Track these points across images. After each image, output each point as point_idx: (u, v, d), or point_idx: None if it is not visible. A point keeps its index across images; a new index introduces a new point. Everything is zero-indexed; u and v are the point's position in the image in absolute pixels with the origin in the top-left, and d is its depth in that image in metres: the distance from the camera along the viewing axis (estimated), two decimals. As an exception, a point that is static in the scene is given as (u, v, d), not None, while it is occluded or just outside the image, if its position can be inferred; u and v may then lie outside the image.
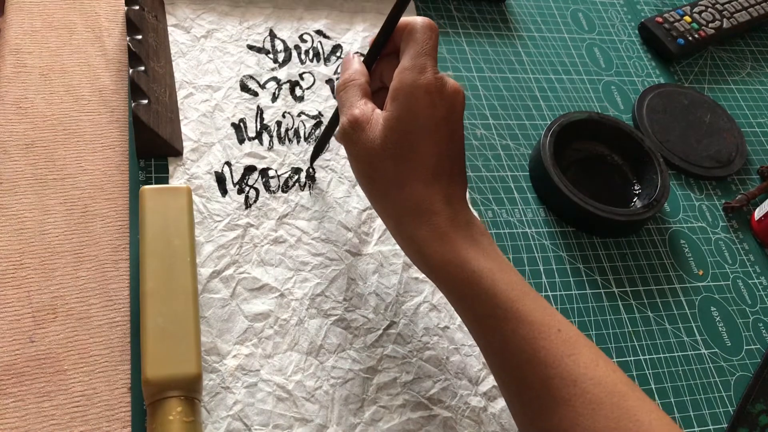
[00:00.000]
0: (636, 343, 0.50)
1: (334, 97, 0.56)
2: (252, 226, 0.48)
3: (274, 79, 0.56)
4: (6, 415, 0.38)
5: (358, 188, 0.51)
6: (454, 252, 0.36)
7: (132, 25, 0.51)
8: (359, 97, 0.39)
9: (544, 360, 0.34)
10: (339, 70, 0.58)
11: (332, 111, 0.55)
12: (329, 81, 0.57)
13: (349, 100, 0.39)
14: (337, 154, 0.53)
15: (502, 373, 0.36)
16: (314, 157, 0.51)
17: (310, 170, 0.51)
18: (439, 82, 0.37)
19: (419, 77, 0.36)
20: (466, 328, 0.47)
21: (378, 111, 0.38)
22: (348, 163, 0.52)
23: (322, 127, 0.54)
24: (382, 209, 0.39)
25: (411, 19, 0.39)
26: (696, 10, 0.73)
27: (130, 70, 0.48)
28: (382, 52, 0.41)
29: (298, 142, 0.53)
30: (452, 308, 0.47)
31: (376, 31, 0.61)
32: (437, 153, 0.37)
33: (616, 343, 0.50)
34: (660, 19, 0.71)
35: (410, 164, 0.37)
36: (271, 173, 0.51)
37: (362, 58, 0.41)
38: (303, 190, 0.50)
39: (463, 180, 0.38)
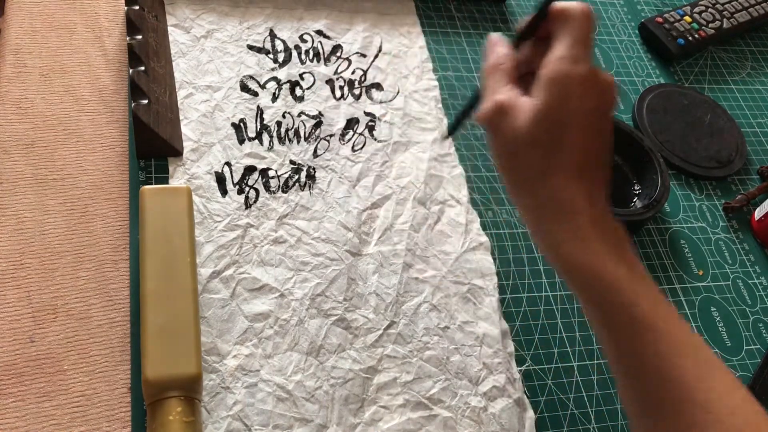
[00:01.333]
0: (636, 343, 0.50)
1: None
2: (252, 226, 0.48)
3: (274, 79, 0.56)
4: (6, 415, 0.38)
5: (359, 188, 0.51)
6: (593, 256, 0.34)
7: (132, 25, 0.51)
8: (505, 83, 0.37)
9: (678, 380, 0.32)
10: (339, 69, 0.58)
11: (332, 111, 0.55)
12: (329, 81, 0.57)
13: (495, 84, 0.37)
14: (337, 154, 0.53)
15: (629, 390, 0.34)
16: (453, 130, 0.46)
17: (311, 170, 0.51)
18: (593, 73, 0.35)
19: (574, 67, 0.34)
20: (466, 329, 0.47)
21: (524, 98, 0.36)
22: (348, 163, 0.52)
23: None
24: (521, 200, 0.37)
25: (568, 4, 0.36)
26: (696, 10, 0.73)
27: (130, 70, 0.48)
28: (532, 36, 0.38)
29: (298, 142, 0.53)
30: (452, 308, 0.47)
31: (376, 31, 0.61)
32: (585, 147, 0.35)
33: (616, 343, 0.50)
34: (660, 19, 0.71)
35: (557, 156, 0.35)
36: (271, 173, 0.51)
37: (508, 41, 0.39)
38: (303, 190, 0.50)
39: (606, 179, 0.36)
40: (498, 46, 0.38)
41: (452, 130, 0.46)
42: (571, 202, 0.35)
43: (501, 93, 0.36)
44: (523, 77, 0.38)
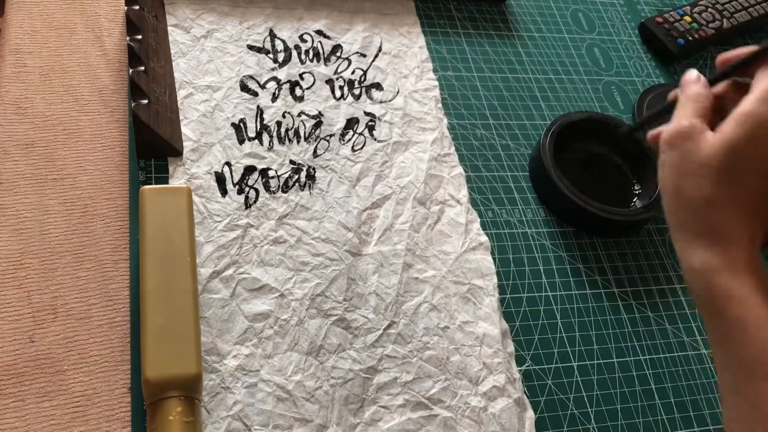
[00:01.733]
0: (636, 343, 0.50)
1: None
2: (252, 226, 0.48)
3: (274, 79, 0.56)
4: (6, 415, 0.38)
5: (359, 188, 0.51)
6: (743, 290, 0.35)
7: (132, 25, 0.51)
8: (697, 115, 0.39)
9: None
10: (339, 69, 0.58)
11: (332, 110, 0.55)
12: (329, 81, 0.57)
13: (687, 113, 0.39)
14: (337, 154, 0.53)
15: (746, 421, 0.35)
16: (644, 126, 0.49)
17: (311, 170, 0.51)
18: None
19: None
20: (466, 329, 0.47)
21: (710, 132, 0.37)
22: (348, 162, 0.52)
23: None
24: (679, 220, 0.38)
25: None
26: (696, 10, 0.73)
27: (130, 70, 0.48)
28: (730, 79, 0.41)
29: (298, 142, 0.53)
30: (452, 308, 0.47)
31: (376, 31, 0.61)
32: (760, 190, 0.36)
33: (616, 343, 0.50)
34: (660, 19, 0.71)
35: (731, 191, 0.36)
36: (271, 173, 0.51)
37: (705, 78, 0.41)
38: (303, 190, 0.50)
39: (763, 230, 0.38)
40: (697, 85, 0.41)
41: (644, 126, 0.48)
42: (731, 235, 0.36)
43: (692, 119, 0.38)
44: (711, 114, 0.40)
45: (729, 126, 0.36)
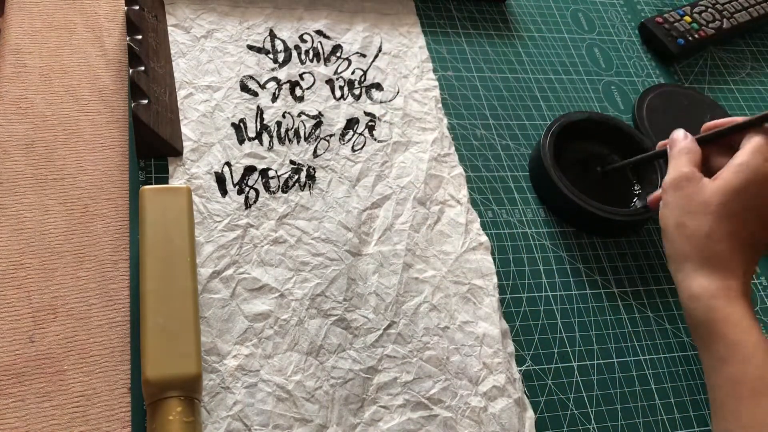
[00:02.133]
0: (636, 343, 0.50)
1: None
2: (252, 226, 0.48)
3: (274, 79, 0.56)
4: (6, 415, 0.38)
5: (359, 188, 0.51)
6: (738, 315, 0.39)
7: (132, 25, 0.51)
8: (692, 165, 0.45)
9: None
10: (339, 69, 0.58)
11: (332, 110, 0.55)
12: (329, 81, 0.57)
13: (682, 162, 0.45)
14: (337, 154, 0.53)
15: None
16: (618, 169, 0.58)
17: (311, 170, 0.51)
18: None
19: (765, 164, 0.42)
20: (466, 329, 0.47)
21: (707, 179, 0.43)
22: (348, 163, 0.52)
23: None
24: (683, 251, 0.43)
25: (761, 128, 0.44)
26: (696, 10, 0.73)
27: (130, 70, 0.48)
28: (718, 142, 0.47)
29: (298, 142, 0.53)
30: (452, 308, 0.47)
31: (376, 31, 0.61)
32: (752, 229, 0.42)
33: (616, 343, 0.50)
34: (660, 19, 0.71)
35: (728, 228, 0.41)
36: (271, 173, 0.51)
37: (694, 137, 0.47)
38: (303, 190, 0.50)
39: (756, 264, 0.43)
40: (686, 141, 0.47)
41: (618, 169, 0.58)
42: (728, 265, 0.41)
43: (689, 167, 0.44)
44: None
45: (727, 173, 0.42)
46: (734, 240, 0.41)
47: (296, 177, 0.51)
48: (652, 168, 0.57)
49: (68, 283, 0.43)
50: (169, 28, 0.55)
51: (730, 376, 0.39)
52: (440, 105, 0.58)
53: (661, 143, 0.52)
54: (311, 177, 0.51)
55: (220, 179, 0.49)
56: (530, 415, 0.45)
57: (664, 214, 0.45)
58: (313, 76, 0.57)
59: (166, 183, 0.48)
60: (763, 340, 0.39)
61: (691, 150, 0.46)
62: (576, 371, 0.48)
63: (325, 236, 0.48)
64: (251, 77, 0.55)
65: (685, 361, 0.50)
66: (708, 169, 0.46)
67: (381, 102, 0.57)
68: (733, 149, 0.44)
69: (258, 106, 0.54)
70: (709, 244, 0.42)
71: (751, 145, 0.43)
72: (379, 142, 0.54)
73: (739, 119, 0.46)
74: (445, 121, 0.57)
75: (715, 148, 0.47)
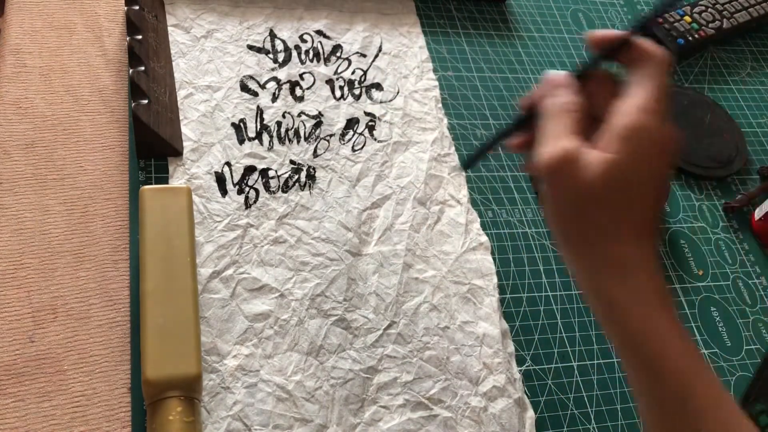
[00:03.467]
0: (636, 343, 0.50)
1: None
2: (252, 226, 0.48)
3: (274, 79, 0.56)
4: (6, 415, 0.38)
5: (359, 188, 0.51)
6: (653, 322, 0.32)
7: (132, 25, 0.51)
8: (572, 130, 0.33)
9: None
10: (339, 69, 0.58)
11: (332, 110, 0.55)
12: (329, 81, 0.57)
13: (559, 129, 0.33)
14: (337, 154, 0.53)
15: None
16: (473, 163, 0.46)
17: (311, 170, 0.51)
18: (668, 132, 0.33)
19: (654, 123, 0.32)
20: (466, 329, 0.47)
21: (594, 152, 0.32)
22: (348, 162, 0.52)
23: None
24: (579, 260, 0.34)
25: (646, 43, 0.34)
26: (696, 10, 0.73)
27: (130, 70, 0.48)
28: (597, 72, 0.35)
29: (298, 142, 0.53)
30: (452, 308, 0.47)
31: (376, 31, 0.61)
32: (653, 208, 0.33)
33: (616, 343, 0.50)
34: (660, 19, 0.71)
35: (626, 216, 0.32)
36: (271, 173, 0.50)
37: (572, 77, 0.35)
38: (303, 190, 0.50)
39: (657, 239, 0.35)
40: (564, 87, 0.34)
41: (472, 162, 0.43)
42: (633, 263, 0.33)
43: (567, 140, 0.32)
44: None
45: (610, 143, 0.32)
46: (631, 228, 0.33)
47: (296, 177, 0.51)
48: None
49: (68, 283, 0.43)
50: (169, 28, 0.55)
51: (648, 386, 0.33)
52: (440, 105, 0.58)
53: (525, 99, 0.37)
54: (311, 177, 0.51)
55: (220, 179, 0.49)
56: (530, 415, 0.45)
57: (546, 211, 0.35)
58: (313, 76, 0.57)
59: (166, 183, 0.48)
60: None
61: (569, 106, 0.34)
62: (576, 371, 0.48)
63: (325, 236, 0.48)
64: (251, 77, 0.55)
65: (685, 361, 0.50)
66: (591, 109, 0.34)
67: (381, 102, 0.57)
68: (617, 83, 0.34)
69: (258, 106, 0.54)
70: (602, 243, 0.33)
71: (639, 97, 0.32)
72: (379, 142, 0.54)
73: (616, 35, 0.34)
74: (445, 121, 0.57)
75: (597, 80, 0.35)
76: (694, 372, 0.32)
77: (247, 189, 0.49)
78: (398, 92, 0.58)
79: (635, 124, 0.32)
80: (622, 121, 0.32)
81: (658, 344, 0.32)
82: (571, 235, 0.34)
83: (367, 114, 0.56)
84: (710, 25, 0.72)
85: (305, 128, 0.54)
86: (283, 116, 0.54)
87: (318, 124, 0.54)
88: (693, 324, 0.53)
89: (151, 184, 0.48)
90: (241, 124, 0.52)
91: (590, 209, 0.32)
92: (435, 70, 0.61)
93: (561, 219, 0.34)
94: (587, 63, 0.35)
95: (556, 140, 0.33)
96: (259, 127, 0.53)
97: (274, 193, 0.50)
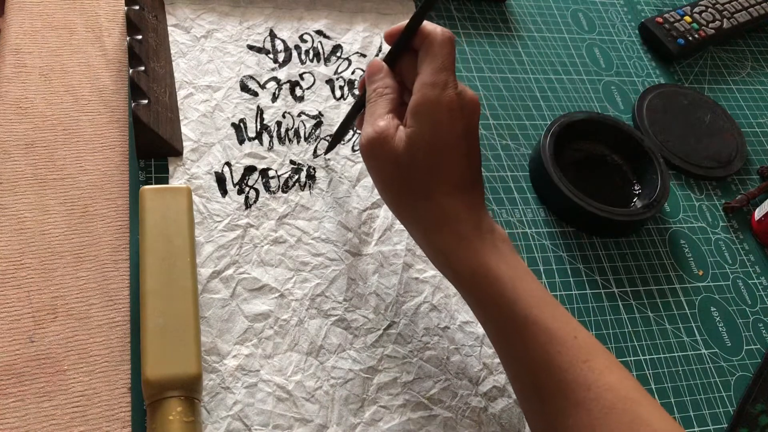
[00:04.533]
0: (636, 343, 0.50)
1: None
2: (252, 226, 0.48)
3: (274, 79, 0.56)
4: (6, 415, 0.38)
5: (359, 188, 0.51)
6: (477, 258, 0.37)
7: (132, 25, 0.51)
8: (386, 111, 0.40)
9: (560, 365, 0.35)
10: (339, 69, 0.58)
11: (332, 110, 0.55)
12: (329, 81, 0.57)
13: (376, 112, 0.40)
14: (337, 154, 0.53)
15: (519, 379, 0.38)
16: (330, 149, 0.52)
17: (311, 170, 0.51)
18: (459, 97, 0.38)
19: (441, 94, 0.37)
20: (466, 329, 0.47)
21: (401, 128, 0.39)
22: (348, 162, 0.52)
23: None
24: (408, 220, 0.40)
25: (431, 27, 0.39)
26: (696, 10, 0.73)
27: (130, 70, 0.48)
28: (403, 51, 0.41)
29: (298, 142, 0.53)
30: (452, 308, 0.47)
31: (377, 31, 0.61)
32: (459, 165, 0.38)
33: (616, 343, 0.50)
34: (660, 20, 0.71)
35: (435, 178, 0.38)
36: (271, 173, 0.51)
37: (385, 61, 0.42)
38: (303, 190, 0.50)
39: (482, 188, 0.40)
40: (380, 73, 0.41)
41: (331, 148, 0.51)
42: (454, 214, 0.38)
43: (382, 120, 0.39)
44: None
45: (409, 120, 0.38)
46: (443, 185, 0.38)
47: (296, 177, 0.51)
48: (652, 168, 0.57)
49: (68, 283, 0.43)
50: (169, 28, 0.55)
51: (495, 317, 0.38)
52: (440, 105, 0.58)
53: (360, 81, 0.43)
54: (311, 177, 0.51)
55: (220, 179, 0.49)
56: (530, 415, 0.45)
57: (375, 182, 0.41)
58: (313, 76, 0.57)
59: (166, 183, 0.48)
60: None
61: (384, 89, 0.40)
62: (576, 371, 0.48)
63: (325, 236, 0.48)
64: (251, 77, 0.55)
65: (685, 361, 0.51)
66: (405, 85, 0.41)
67: (381, 102, 0.57)
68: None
69: (258, 106, 0.54)
70: (423, 204, 0.38)
71: (425, 73, 0.38)
72: (379, 142, 0.54)
73: (398, 27, 0.40)
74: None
75: (407, 57, 0.41)
76: (519, 279, 0.37)
77: (247, 189, 0.49)
78: (398, 92, 0.58)
79: (420, 99, 0.38)
80: (414, 99, 0.38)
81: (482, 279, 0.37)
82: (394, 198, 0.40)
83: (367, 114, 0.56)
84: (710, 25, 0.72)
85: (305, 128, 0.54)
86: (283, 116, 0.54)
87: (318, 124, 0.54)
88: (693, 324, 0.53)
89: (151, 184, 0.48)
90: (241, 124, 0.52)
91: (403, 175, 0.38)
92: (435, 70, 0.61)
93: (383, 186, 0.40)
94: (392, 49, 0.41)
95: (374, 121, 0.39)
96: (259, 127, 0.53)
97: (274, 193, 0.50)
